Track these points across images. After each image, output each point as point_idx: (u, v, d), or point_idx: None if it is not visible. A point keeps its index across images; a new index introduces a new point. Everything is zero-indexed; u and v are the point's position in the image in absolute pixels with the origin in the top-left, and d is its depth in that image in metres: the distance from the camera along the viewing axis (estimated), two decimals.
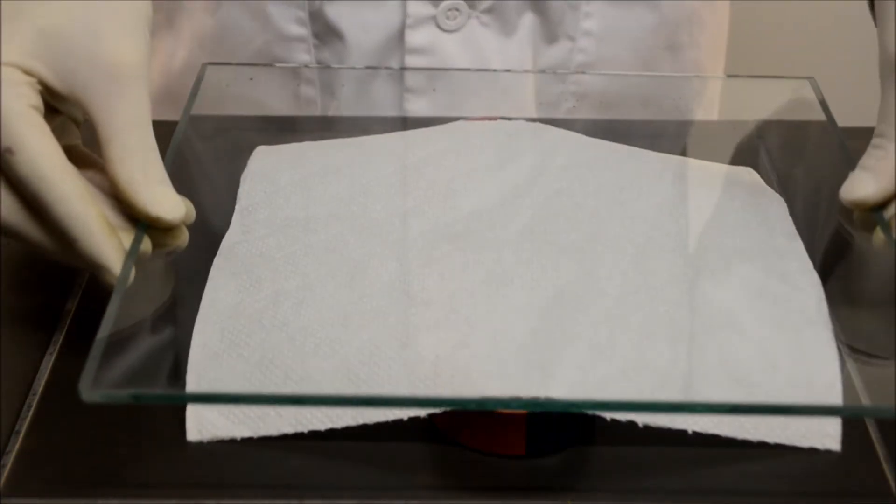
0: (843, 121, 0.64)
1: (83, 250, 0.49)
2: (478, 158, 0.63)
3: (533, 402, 0.48)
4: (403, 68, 0.73)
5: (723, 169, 0.65)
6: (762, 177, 0.64)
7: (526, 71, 0.72)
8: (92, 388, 0.45)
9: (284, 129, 0.68)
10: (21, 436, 0.50)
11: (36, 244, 0.50)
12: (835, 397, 0.50)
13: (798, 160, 0.66)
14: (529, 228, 0.59)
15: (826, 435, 0.49)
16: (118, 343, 0.49)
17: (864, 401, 0.51)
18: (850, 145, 0.60)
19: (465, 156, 0.64)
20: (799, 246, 0.58)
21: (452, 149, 0.64)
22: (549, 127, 0.66)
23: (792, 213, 0.61)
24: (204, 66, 0.66)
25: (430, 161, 0.63)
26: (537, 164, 0.63)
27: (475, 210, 0.60)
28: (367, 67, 0.73)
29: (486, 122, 0.66)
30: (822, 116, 0.64)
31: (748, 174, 0.65)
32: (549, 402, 0.48)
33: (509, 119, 0.67)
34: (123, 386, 0.48)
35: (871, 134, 0.56)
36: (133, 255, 0.50)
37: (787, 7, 1.36)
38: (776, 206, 0.61)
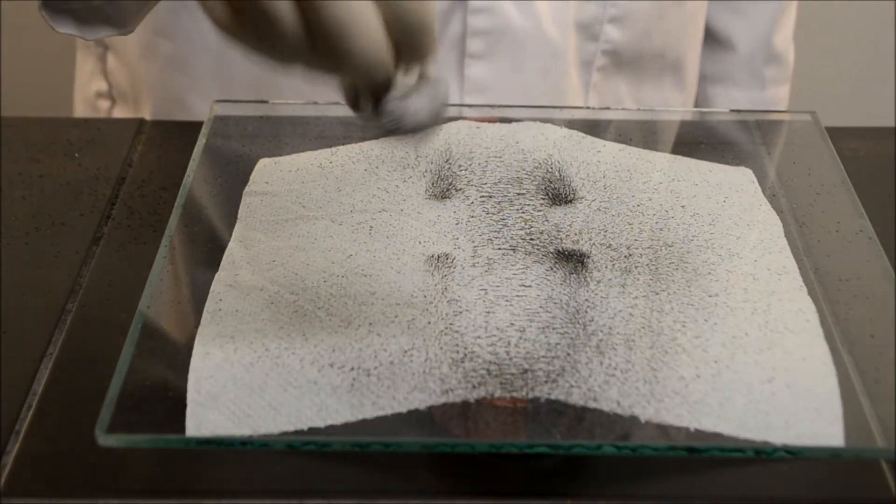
0: (843, 120, 0.64)
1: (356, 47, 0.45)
2: (483, 163, 0.63)
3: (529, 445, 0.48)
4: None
5: (721, 171, 0.65)
6: (760, 177, 0.64)
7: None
8: (108, 433, 0.47)
9: (291, 135, 0.68)
10: (21, 436, 0.50)
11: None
12: (833, 405, 0.50)
13: (795, 160, 0.67)
14: (531, 235, 0.59)
15: (829, 435, 0.49)
16: (132, 380, 0.50)
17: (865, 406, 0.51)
18: (847, 146, 0.60)
19: (470, 160, 0.64)
20: (794, 270, 0.58)
21: (457, 153, 0.64)
22: (550, 126, 0.66)
23: (788, 213, 0.61)
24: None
25: (435, 167, 0.63)
26: (537, 165, 0.63)
27: (477, 216, 0.60)
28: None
29: (488, 124, 0.66)
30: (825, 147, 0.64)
31: (746, 176, 0.65)
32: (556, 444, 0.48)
33: (509, 120, 0.67)
34: (141, 427, 0.49)
35: (869, 134, 0.56)
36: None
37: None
38: (772, 224, 0.61)
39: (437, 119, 0.48)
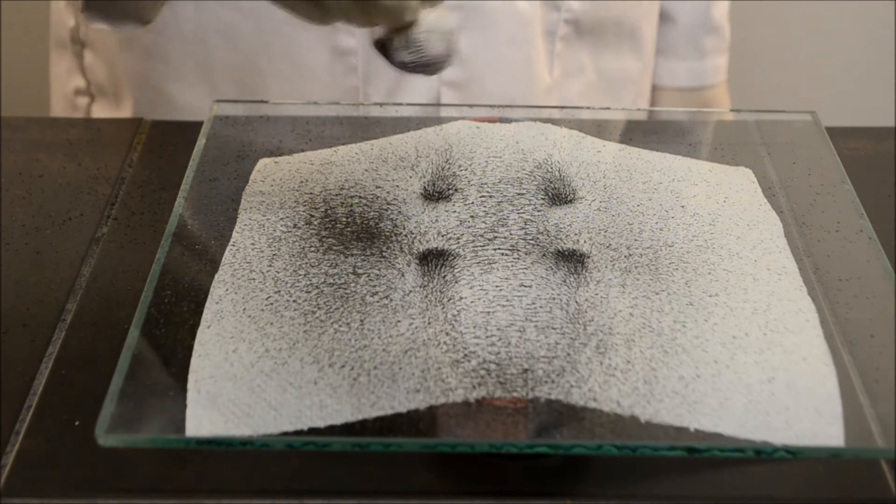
0: (843, 120, 0.64)
1: None
2: (483, 163, 0.63)
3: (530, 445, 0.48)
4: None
5: (721, 171, 0.65)
6: (760, 177, 0.64)
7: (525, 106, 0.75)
8: (108, 433, 0.47)
9: (291, 135, 0.68)
10: (21, 436, 0.50)
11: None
12: (833, 405, 0.50)
13: (795, 160, 0.67)
14: (531, 235, 0.59)
15: (829, 435, 0.49)
16: (133, 378, 0.49)
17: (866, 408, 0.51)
18: (847, 146, 0.60)
19: (470, 160, 0.64)
20: (794, 270, 0.58)
21: (457, 153, 0.64)
22: (550, 126, 0.66)
23: (788, 213, 0.61)
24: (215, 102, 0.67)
25: (435, 167, 0.63)
26: (537, 165, 0.63)
27: (477, 216, 0.60)
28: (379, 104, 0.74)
29: (488, 123, 0.66)
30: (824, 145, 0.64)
31: (746, 176, 0.65)
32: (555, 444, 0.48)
33: (510, 120, 0.67)
34: (141, 427, 0.49)
35: (869, 134, 0.56)
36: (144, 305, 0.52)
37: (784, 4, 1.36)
38: (772, 224, 0.61)
39: (451, 48, 0.56)
